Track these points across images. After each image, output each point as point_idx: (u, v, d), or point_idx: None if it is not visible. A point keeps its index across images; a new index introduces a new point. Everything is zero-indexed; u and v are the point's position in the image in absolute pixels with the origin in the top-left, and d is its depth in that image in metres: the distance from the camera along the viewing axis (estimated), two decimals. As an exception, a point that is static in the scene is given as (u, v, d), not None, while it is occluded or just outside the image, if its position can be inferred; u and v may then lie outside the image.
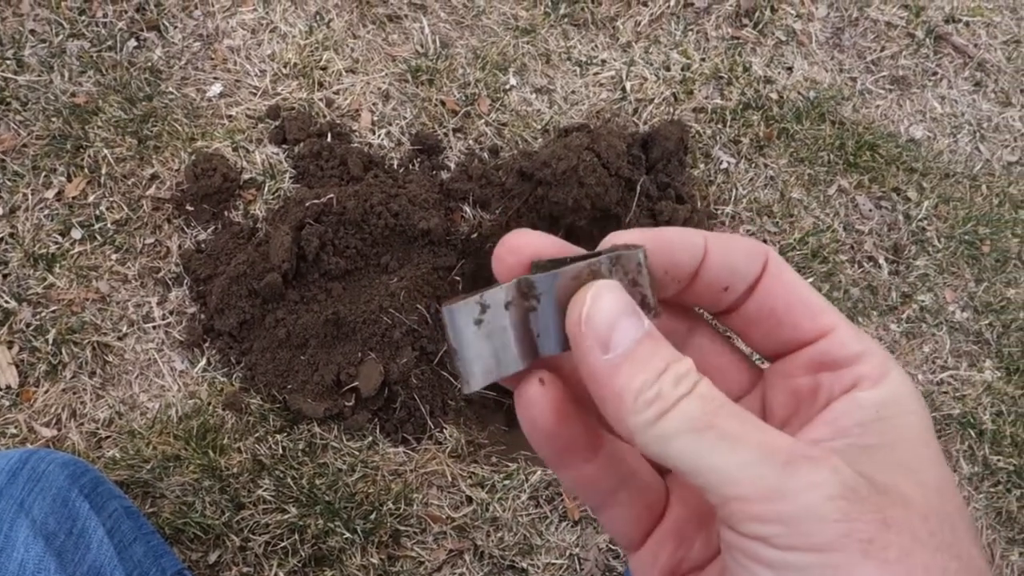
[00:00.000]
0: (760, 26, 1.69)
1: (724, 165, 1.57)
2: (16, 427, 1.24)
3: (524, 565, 1.27)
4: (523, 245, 0.33)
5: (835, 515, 0.25)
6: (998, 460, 1.46)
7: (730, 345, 0.38)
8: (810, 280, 1.50)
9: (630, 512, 0.35)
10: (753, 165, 1.58)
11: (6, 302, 1.29)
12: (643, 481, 0.36)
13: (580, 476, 0.34)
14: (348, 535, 1.23)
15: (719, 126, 1.59)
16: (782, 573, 0.26)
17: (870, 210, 1.59)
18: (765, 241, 1.52)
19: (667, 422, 0.27)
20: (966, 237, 1.59)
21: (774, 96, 1.64)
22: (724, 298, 0.34)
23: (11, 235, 1.34)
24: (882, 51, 1.74)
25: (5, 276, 1.32)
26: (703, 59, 1.65)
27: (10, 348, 1.28)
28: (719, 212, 1.53)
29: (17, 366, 1.27)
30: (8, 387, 1.26)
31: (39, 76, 1.44)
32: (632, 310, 0.29)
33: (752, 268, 0.34)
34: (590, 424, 0.33)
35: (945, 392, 1.50)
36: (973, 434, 1.47)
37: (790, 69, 1.69)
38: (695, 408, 0.27)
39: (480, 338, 0.31)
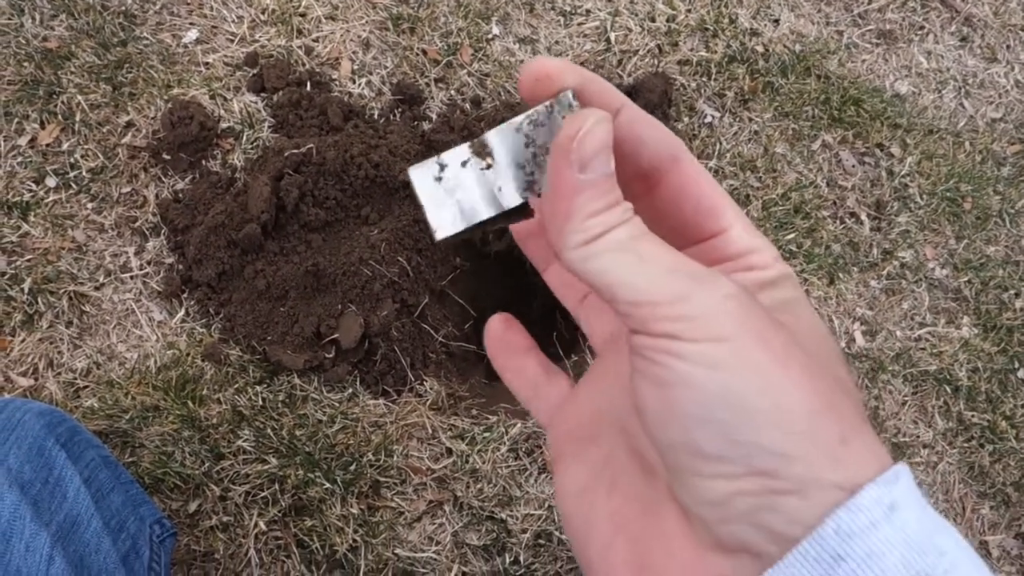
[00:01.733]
0: (747, -23, 1.67)
1: (708, 119, 1.56)
2: (-8, 377, 1.23)
3: (503, 516, 1.28)
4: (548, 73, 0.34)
5: (734, 310, 0.29)
6: (972, 416, 1.48)
7: None
8: (792, 235, 1.51)
9: (548, 401, 0.42)
10: (737, 119, 1.57)
11: (-20, 251, 1.28)
12: (560, 378, 0.43)
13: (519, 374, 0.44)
14: (328, 486, 1.23)
15: (704, 79, 1.58)
16: (688, 360, 0.28)
17: (853, 166, 1.59)
18: (748, 196, 1.52)
19: (598, 243, 0.30)
20: (948, 194, 1.60)
21: (760, 49, 1.62)
22: (632, 184, 0.36)
23: (-16, 183, 1.31)
24: (869, 4, 1.72)
25: (-22, 224, 1.30)
26: (689, 10, 1.63)
27: (-15, 297, 1.27)
28: (703, 166, 1.52)
29: (-8, 315, 1.26)
30: (-17, 337, 1.25)
31: (9, 19, 1.40)
32: (610, 146, 0.32)
33: (666, 156, 0.36)
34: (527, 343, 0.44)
35: (923, 348, 1.51)
36: (949, 390, 1.49)
37: (776, 22, 1.67)
38: (623, 233, 0.31)
39: (443, 192, 0.34)
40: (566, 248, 0.31)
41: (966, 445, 1.47)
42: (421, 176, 0.35)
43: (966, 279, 1.56)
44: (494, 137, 0.34)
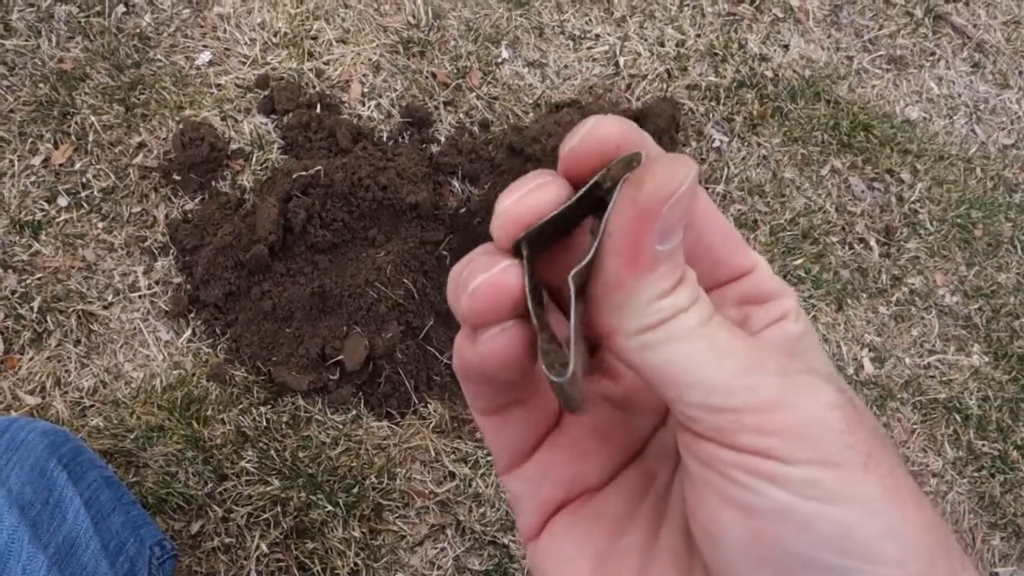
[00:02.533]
0: (757, 2, 1.68)
1: (716, 143, 1.56)
2: (0, 395, 1.24)
3: (505, 541, 1.27)
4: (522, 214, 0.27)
5: (839, 425, 0.24)
6: (983, 445, 1.46)
7: None
8: (800, 261, 1.50)
9: (527, 416, 0.31)
10: (746, 144, 1.57)
11: (-9, 269, 1.29)
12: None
13: (500, 387, 0.30)
14: (330, 508, 1.23)
15: (712, 103, 1.58)
16: (791, 489, 0.24)
17: (863, 191, 1.59)
18: (756, 221, 1.52)
19: (664, 329, 0.25)
20: (959, 220, 1.59)
21: (769, 74, 1.62)
22: None
23: (-4, 202, 1.33)
24: (880, 30, 1.72)
25: (-10, 243, 1.31)
26: (698, 35, 1.63)
27: (-6, 315, 1.28)
28: (710, 191, 1.52)
29: (2, 333, 1.27)
30: (-8, 354, 1.26)
31: (26, 41, 1.42)
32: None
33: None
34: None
35: (932, 376, 1.50)
36: (959, 419, 1.47)
37: (786, 47, 1.67)
38: (694, 318, 0.26)
39: None
40: (624, 334, 0.26)
41: (976, 475, 1.45)
42: None
43: (976, 306, 1.55)
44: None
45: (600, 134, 0.27)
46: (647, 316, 0.25)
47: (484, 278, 0.26)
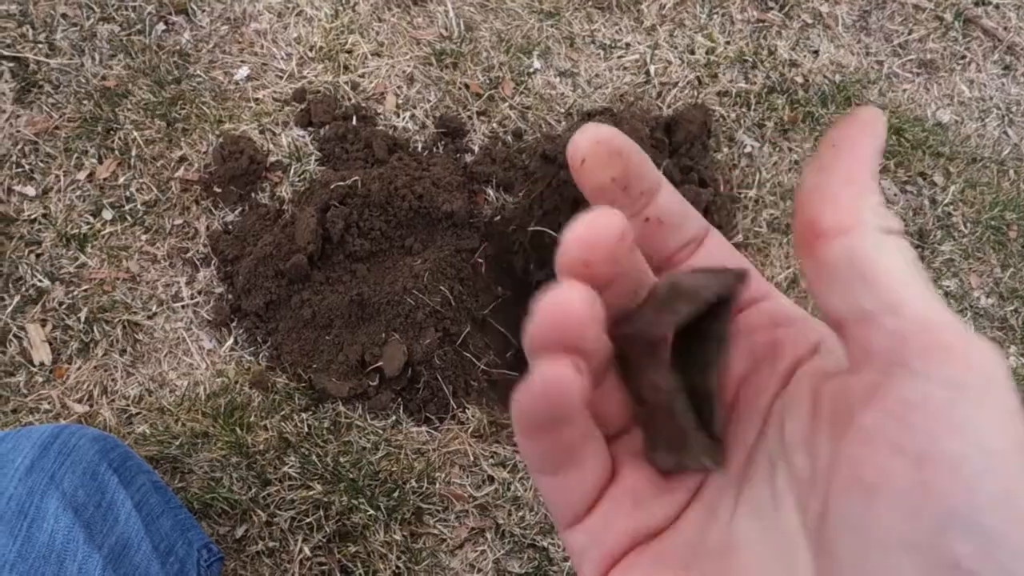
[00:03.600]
0: (786, 9, 1.69)
1: (748, 149, 1.57)
2: (49, 403, 1.27)
3: (545, 544, 1.28)
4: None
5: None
6: (1021, 446, 1.45)
7: None
8: (833, 264, 1.50)
9: (586, 473, 0.31)
10: (777, 149, 1.58)
11: (40, 281, 1.32)
12: (598, 433, 0.31)
13: (556, 440, 0.29)
14: (372, 512, 1.25)
15: (743, 110, 1.59)
16: (964, 441, 0.23)
17: (895, 195, 1.59)
18: (788, 226, 1.52)
19: (894, 237, 0.25)
20: (992, 222, 1.58)
21: (799, 80, 1.63)
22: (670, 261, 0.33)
23: (44, 216, 1.37)
24: (910, 34, 1.73)
25: (38, 256, 1.35)
26: (728, 42, 1.65)
27: (43, 326, 1.31)
28: (742, 195, 1.53)
29: (50, 343, 1.30)
30: (42, 364, 1.29)
31: (71, 59, 1.46)
32: None
33: (702, 227, 0.33)
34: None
35: (969, 378, 1.49)
36: (996, 420, 1.46)
37: (816, 52, 1.68)
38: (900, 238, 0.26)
39: None
40: (863, 230, 0.25)
41: (1015, 477, 1.44)
42: None
43: (1012, 308, 1.54)
44: None
45: (608, 141, 0.30)
46: (886, 219, 0.25)
47: (550, 297, 0.26)
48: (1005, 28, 1.76)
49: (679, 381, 0.28)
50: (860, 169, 0.25)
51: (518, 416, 0.27)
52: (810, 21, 1.70)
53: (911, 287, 0.24)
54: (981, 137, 1.67)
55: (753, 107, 1.59)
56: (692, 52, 1.62)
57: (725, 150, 1.56)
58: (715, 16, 1.67)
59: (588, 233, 0.27)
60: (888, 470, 0.23)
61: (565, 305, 0.26)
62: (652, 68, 1.59)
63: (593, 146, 0.30)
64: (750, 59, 1.63)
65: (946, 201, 1.58)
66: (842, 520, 0.25)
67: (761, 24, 1.68)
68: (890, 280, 0.24)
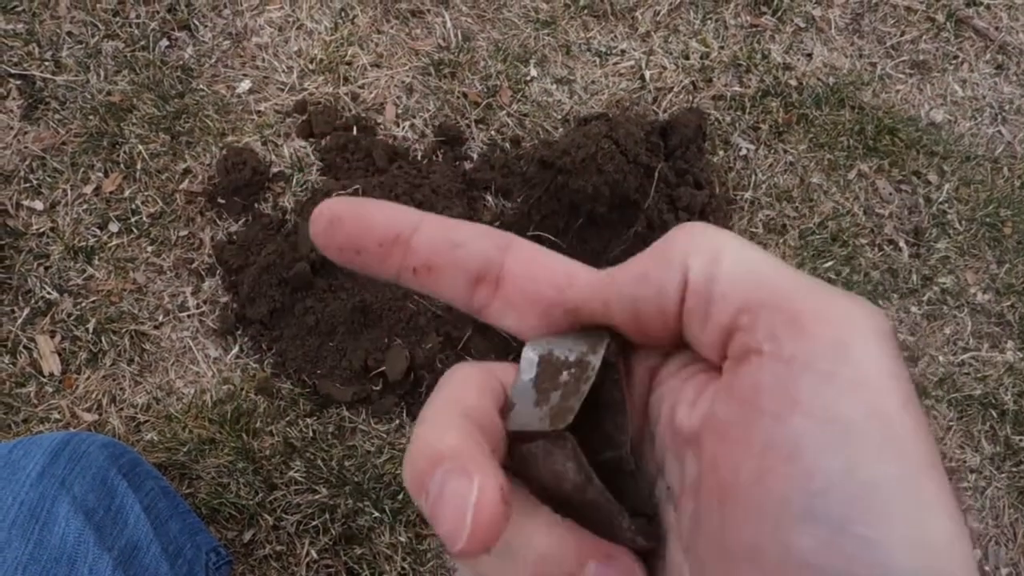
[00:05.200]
0: (779, 13, 1.71)
1: (743, 151, 1.59)
2: (60, 412, 1.30)
3: (548, 544, 1.30)
4: None
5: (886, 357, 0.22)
6: (1020, 440, 1.47)
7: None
8: (830, 264, 1.52)
9: None
10: (772, 151, 1.60)
11: (48, 293, 1.35)
12: None
13: None
14: (377, 514, 1.27)
15: (738, 113, 1.61)
16: (810, 417, 0.21)
17: (890, 194, 1.60)
18: (785, 226, 1.54)
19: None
20: (987, 219, 1.60)
21: (793, 83, 1.65)
22: (474, 296, 0.30)
23: (52, 229, 1.39)
24: (902, 36, 1.75)
25: (47, 268, 1.37)
26: (722, 47, 1.67)
27: (53, 337, 1.34)
28: (738, 198, 1.55)
29: (59, 354, 1.33)
30: (51, 374, 1.32)
31: (76, 76, 1.49)
32: None
33: (492, 247, 0.30)
34: None
35: (967, 373, 1.51)
36: (995, 414, 1.48)
37: (809, 55, 1.70)
38: None
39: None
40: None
41: (1015, 470, 1.45)
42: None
43: (1009, 303, 1.55)
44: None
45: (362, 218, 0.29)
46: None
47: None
48: (997, 28, 1.77)
49: (584, 467, 0.25)
50: None
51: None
52: (803, 25, 1.72)
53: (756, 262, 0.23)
54: (975, 136, 1.69)
55: (748, 110, 1.61)
56: (687, 57, 1.65)
57: (721, 153, 1.58)
58: (709, 22, 1.69)
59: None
60: (737, 466, 0.21)
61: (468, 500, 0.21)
62: (647, 74, 1.61)
63: (320, 219, 0.29)
64: (744, 63, 1.65)
65: (941, 199, 1.60)
66: (706, 531, 0.22)
67: (754, 29, 1.70)
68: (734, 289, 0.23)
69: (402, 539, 1.27)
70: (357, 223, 0.29)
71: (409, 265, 0.29)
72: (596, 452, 0.27)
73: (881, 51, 1.73)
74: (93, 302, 1.36)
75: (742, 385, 0.22)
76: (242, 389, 1.33)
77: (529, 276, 0.29)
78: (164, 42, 1.55)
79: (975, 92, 1.73)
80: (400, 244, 0.29)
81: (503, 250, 0.29)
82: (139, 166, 1.44)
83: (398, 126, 1.52)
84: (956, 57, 1.75)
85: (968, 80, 1.74)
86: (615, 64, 1.63)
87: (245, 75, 1.54)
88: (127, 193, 1.43)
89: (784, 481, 0.20)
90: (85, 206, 1.42)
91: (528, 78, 1.59)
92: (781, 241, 1.52)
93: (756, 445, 0.21)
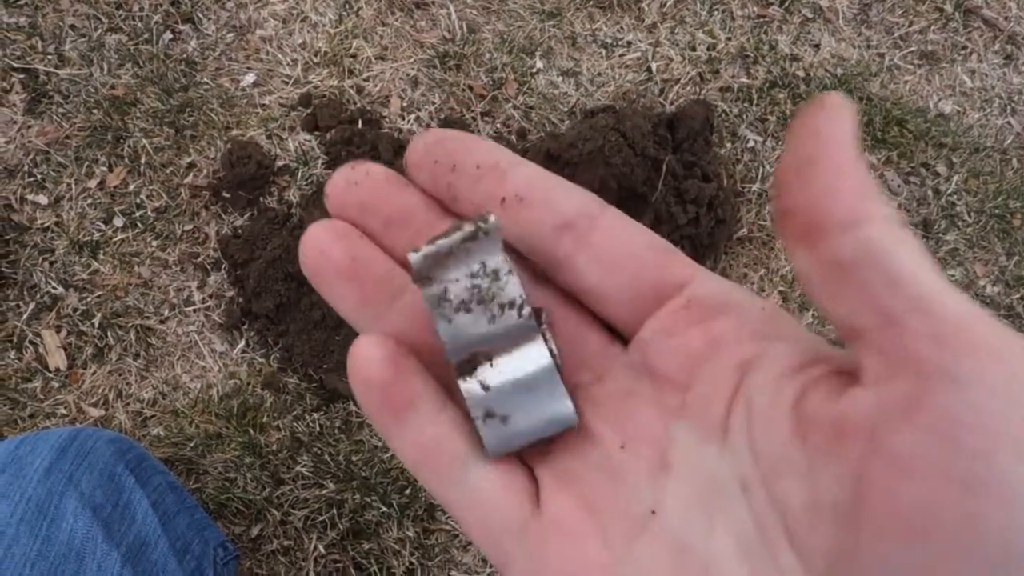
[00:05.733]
0: (786, 4, 1.70)
1: (751, 143, 1.58)
2: (66, 408, 1.29)
3: (556, 538, 1.29)
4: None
5: None
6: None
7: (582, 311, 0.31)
8: (838, 256, 1.51)
9: (492, 504, 0.28)
10: (780, 143, 1.59)
11: (54, 288, 1.35)
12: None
13: (418, 443, 0.29)
14: (385, 509, 1.27)
15: (745, 104, 1.60)
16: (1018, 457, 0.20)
17: (899, 185, 1.59)
18: (792, 218, 1.53)
19: (899, 228, 0.23)
20: (996, 211, 1.59)
21: (801, 74, 1.64)
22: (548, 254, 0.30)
23: (57, 224, 1.39)
24: (910, 26, 1.73)
25: (52, 263, 1.37)
26: (729, 38, 1.66)
27: (58, 332, 1.33)
28: (745, 190, 1.54)
29: (65, 349, 1.33)
30: (57, 369, 1.31)
31: (79, 70, 1.49)
32: None
33: (585, 204, 0.30)
34: (423, 380, 0.29)
35: (976, 366, 1.50)
36: (1004, 407, 1.47)
37: (817, 46, 1.69)
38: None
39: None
40: (873, 217, 0.22)
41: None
42: None
43: (1018, 296, 1.55)
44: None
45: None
46: (888, 206, 0.22)
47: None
48: (1006, 18, 1.76)
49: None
50: (849, 159, 0.22)
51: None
52: (811, 15, 1.71)
53: (938, 282, 0.21)
54: (983, 127, 1.68)
55: (755, 102, 1.60)
56: (693, 49, 1.64)
57: (728, 145, 1.57)
58: (716, 12, 1.68)
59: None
60: (933, 504, 0.19)
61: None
62: (654, 65, 1.60)
63: (420, 141, 0.30)
64: (751, 54, 1.64)
65: (949, 191, 1.59)
66: (876, 564, 0.21)
67: (762, 19, 1.69)
68: (916, 276, 0.21)
69: (410, 534, 1.26)
70: (461, 144, 0.29)
71: (499, 194, 0.29)
72: None
73: (889, 42, 1.72)
74: (98, 297, 1.36)
75: (929, 413, 0.20)
76: (248, 384, 1.33)
77: (628, 237, 0.29)
78: (168, 35, 1.54)
79: (984, 83, 1.72)
80: (497, 171, 0.29)
81: (602, 206, 0.29)
82: (143, 160, 1.43)
83: (403, 119, 1.51)
84: (965, 47, 1.74)
85: (977, 71, 1.72)
86: (621, 56, 1.62)
87: (249, 68, 1.53)
88: (131, 187, 1.42)
89: (1005, 529, 0.19)
90: (89, 201, 1.41)
91: (534, 70, 1.58)
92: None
93: (960, 482, 0.19)
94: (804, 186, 0.22)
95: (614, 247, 0.28)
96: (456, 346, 0.28)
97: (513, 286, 0.27)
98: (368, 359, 0.28)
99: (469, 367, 0.28)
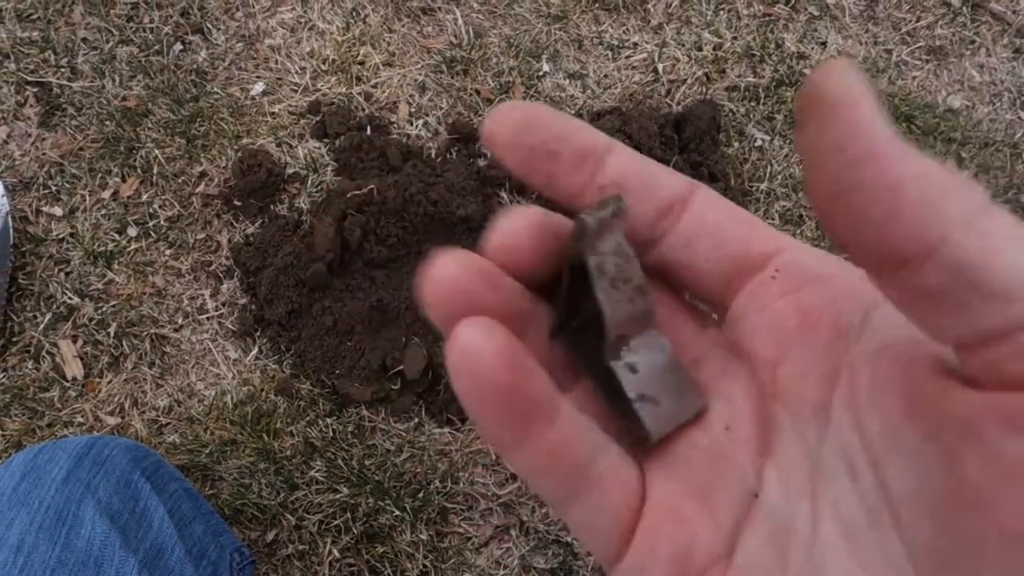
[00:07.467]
0: (792, 2, 1.70)
1: (758, 142, 1.58)
2: (83, 416, 1.31)
3: (569, 539, 1.30)
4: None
5: None
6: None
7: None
8: (847, 255, 1.51)
9: (609, 497, 0.26)
10: (788, 141, 1.59)
11: (70, 298, 1.36)
12: (617, 448, 0.27)
13: (544, 448, 0.25)
14: (398, 513, 1.28)
15: (752, 104, 1.60)
16: None
17: (908, 182, 1.59)
18: (802, 216, 1.53)
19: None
20: (1007, 205, 1.58)
21: (808, 72, 1.64)
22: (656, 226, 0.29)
23: (71, 235, 1.41)
24: (917, 22, 1.73)
25: (67, 274, 1.39)
26: (735, 38, 1.66)
27: (75, 342, 1.35)
28: (753, 189, 1.54)
29: (82, 358, 1.34)
30: (74, 379, 1.33)
31: (92, 82, 1.50)
32: None
33: (683, 185, 0.29)
34: (544, 377, 0.25)
35: (988, 362, 1.49)
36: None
37: (824, 44, 1.69)
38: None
39: None
40: (954, 224, 0.19)
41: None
42: None
43: (1030, 291, 1.54)
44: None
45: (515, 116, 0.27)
46: (971, 190, 0.19)
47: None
48: (1014, 12, 1.76)
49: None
50: (896, 156, 0.20)
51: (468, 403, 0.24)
52: (817, 13, 1.71)
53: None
54: (993, 121, 1.67)
55: (762, 101, 1.60)
56: (699, 49, 1.64)
57: (735, 144, 1.57)
58: (721, 12, 1.68)
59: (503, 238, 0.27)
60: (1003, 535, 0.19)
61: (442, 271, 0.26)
62: (660, 66, 1.61)
63: (506, 119, 0.27)
64: (758, 53, 1.64)
65: (959, 186, 1.59)
66: (968, 566, 0.20)
67: (768, 18, 1.69)
68: (1017, 280, 0.19)
69: (423, 537, 1.27)
70: (555, 129, 0.27)
71: (597, 182, 0.28)
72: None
73: (896, 37, 1.72)
74: (114, 306, 1.37)
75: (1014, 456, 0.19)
76: (262, 390, 1.34)
77: (717, 213, 0.28)
78: (178, 46, 1.56)
79: (993, 77, 1.71)
80: (593, 159, 0.28)
81: (693, 186, 0.28)
82: (156, 170, 1.45)
83: (411, 124, 1.53)
84: (973, 42, 1.73)
85: (986, 65, 1.72)
86: (627, 57, 1.62)
87: (259, 77, 1.55)
88: (144, 197, 1.44)
89: None
90: (103, 211, 1.43)
91: (540, 73, 1.59)
92: (798, 232, 1.51)
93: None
94: (856, 219, 0.20)
95: (703, 224, 0.28)
96: (612, 322, 0.27)
97: (638, 270, 0.27)
98: (479, 352, 0.23)
99: (615, 349, 0.27)
